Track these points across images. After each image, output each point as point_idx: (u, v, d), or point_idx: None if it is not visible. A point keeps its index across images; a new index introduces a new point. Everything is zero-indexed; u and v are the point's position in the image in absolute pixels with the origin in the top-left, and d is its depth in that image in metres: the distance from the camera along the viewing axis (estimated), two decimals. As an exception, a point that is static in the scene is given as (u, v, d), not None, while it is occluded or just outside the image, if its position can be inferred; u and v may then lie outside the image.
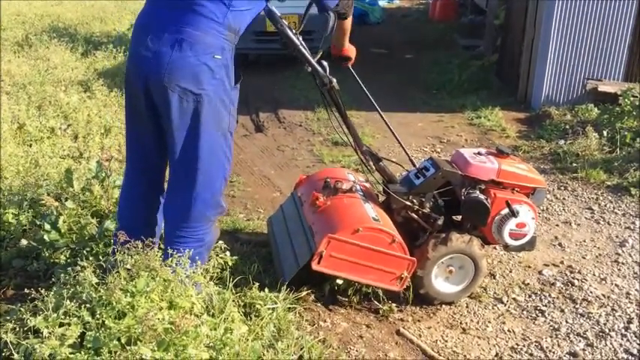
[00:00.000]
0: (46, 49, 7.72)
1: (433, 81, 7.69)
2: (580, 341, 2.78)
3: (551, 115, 5.94)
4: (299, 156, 5.19)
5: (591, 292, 3.16)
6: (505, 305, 3.05)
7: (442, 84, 7.49)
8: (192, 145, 2.45)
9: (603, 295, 3.13)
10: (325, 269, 2.70)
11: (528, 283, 3.24)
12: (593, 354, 2.70)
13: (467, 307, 3.02)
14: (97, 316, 2.00)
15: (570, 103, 6.16)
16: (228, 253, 2.86)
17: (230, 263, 2.86)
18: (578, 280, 3.27)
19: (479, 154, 3.08)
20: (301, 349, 2.52)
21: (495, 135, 5.71)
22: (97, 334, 1.96)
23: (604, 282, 3.26)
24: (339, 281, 2.91)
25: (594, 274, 3.33)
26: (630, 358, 2.67)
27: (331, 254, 2.66)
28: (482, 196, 2.90)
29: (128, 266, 2.18)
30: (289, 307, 2.72)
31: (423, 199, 2.98)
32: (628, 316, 2.96)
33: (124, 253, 2.20)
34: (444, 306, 3.01)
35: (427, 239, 2.92)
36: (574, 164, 4.82)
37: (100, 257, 2.56)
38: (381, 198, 3.20)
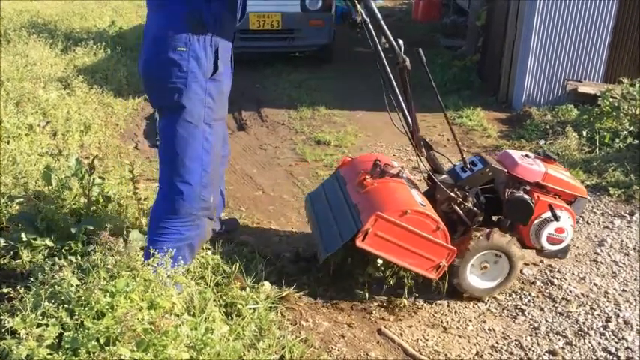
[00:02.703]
0: (25, 45, 7.60)
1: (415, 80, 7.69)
2: (559, 339, 2.81)
3: (532, 116, 5.99)
4: (281, 155, 5.18)
5: (570, 291, 3.19)
6: (486, 304, 3.07)
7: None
8: (166, 136, 2.59)
9: (582, 294, 3.17)
10: (368, 247, 2.70)
11: (509, 282, 3.26)
12: (572, 352, 2.73)
13: (448, 306, 3.04)
14: (76, 316, 1.98)
15: (551, 104, 6.22)
16: (209, 252, 2.85)
17: (211, 262, 2.86)
18: (557, 279, 3.31)
19: (526, 156, 3.13)
20: (282, 348, 2.52)
21: (477, 135, 5.75)
22: (76, 334, 1.93)
23: (583, 281, 3.30)
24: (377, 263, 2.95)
25: (573, 273, 3.37)
26: (608, 356, 2.71)
27: (377, 233, 2.67)
28: (527, 197, 2.93)
29: (109, 266, 2.16)
30: (270, 307, 2.71)
31: (467, 194, 3.01)
32: (606, 315, 2.99)
33: (104, 253, 2.19)
34: (425, 305, 3.02)
35: (469, 231, 2.95)
36: (554, 164, 4.87)
37: (79, 256, 2.52)
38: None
